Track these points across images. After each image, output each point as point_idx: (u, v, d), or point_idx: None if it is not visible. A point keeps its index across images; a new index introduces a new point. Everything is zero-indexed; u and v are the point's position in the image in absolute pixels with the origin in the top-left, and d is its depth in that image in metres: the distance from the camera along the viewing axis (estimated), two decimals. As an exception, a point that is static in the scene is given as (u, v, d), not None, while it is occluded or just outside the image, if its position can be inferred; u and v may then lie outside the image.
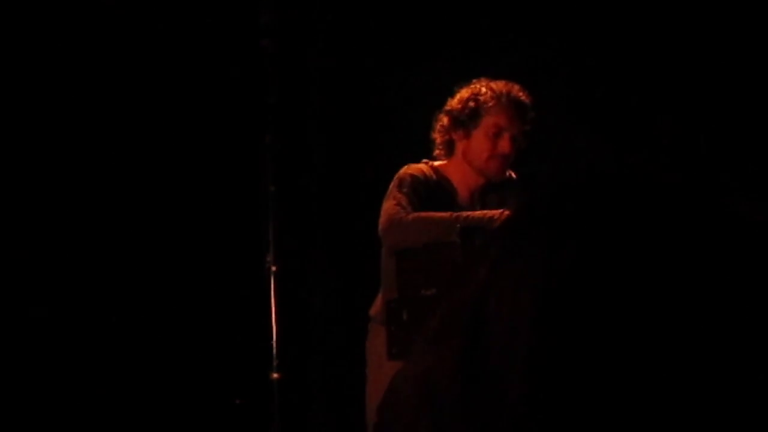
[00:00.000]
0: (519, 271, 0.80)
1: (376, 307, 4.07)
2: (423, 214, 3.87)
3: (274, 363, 4.95)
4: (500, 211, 3.79)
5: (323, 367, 5.40)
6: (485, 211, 3.86)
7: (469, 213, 3.85)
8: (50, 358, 4.96)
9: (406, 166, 4.05)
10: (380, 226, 3.95)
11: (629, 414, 0.75)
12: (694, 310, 0.76)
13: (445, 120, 4.05)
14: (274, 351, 4.94)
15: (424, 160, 4.11)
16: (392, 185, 3.99)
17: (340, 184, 5.31)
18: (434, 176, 4.05)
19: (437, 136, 4.09)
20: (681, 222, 0.80)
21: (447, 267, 3.72)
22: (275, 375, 4.96)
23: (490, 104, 3.96)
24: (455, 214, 3.83)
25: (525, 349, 0.77)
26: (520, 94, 3.98)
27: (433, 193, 4.00)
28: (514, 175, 4.14)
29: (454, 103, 4.03)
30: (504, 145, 3.97)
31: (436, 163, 4.10)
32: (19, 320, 4.91)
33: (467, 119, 3.99)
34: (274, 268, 4.97)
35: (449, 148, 4.07)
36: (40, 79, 5.01)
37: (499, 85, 4.00)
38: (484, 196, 4.09)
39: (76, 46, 5.03)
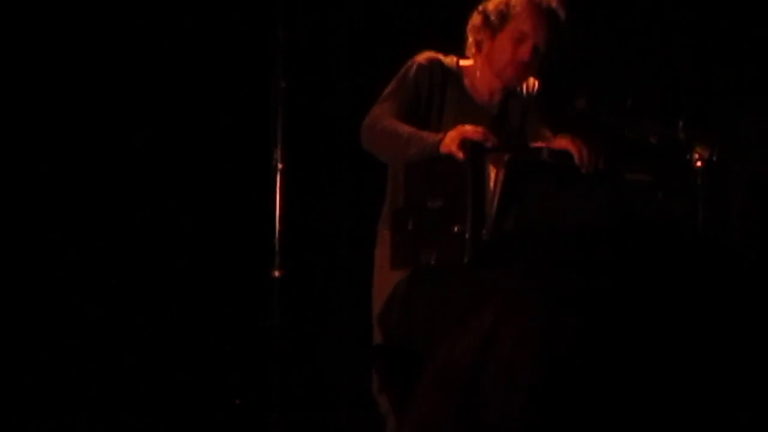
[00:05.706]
0: (518, 334, 0.76)
1: (384, 214, 4.07)
2: (392, 126, 3.79)
3: (276, 261, 4.96)
4: (442, 137, 3.70)
5: (326, 266, 5.42)
6: (438, 134, 3.76)
7: (426, 136, 3.76)
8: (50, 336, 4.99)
9: (423, 54, 3.99)
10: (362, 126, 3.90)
11: None
12: (698, 381, 0.73)
13: (477, 19, 4.01)
14: (277, 248, 4.94)
15: (453, 56, 4.07)
16: (399, 73, 3.94)
17: (352, 81, 5.28)
18: (453, 67, 4.00)
19: (469, 35, 4.05)
20: (687, 293, 0.76)
21: (454, 180, 3.69)
22: (277, 273, 4.98)
23: (518, 9, 3.92)
24: (416, 133, 3.76)
25: (519, 413, 0.74)
26: (553, 3, 3.92)
27: (444, 84, 3.95)
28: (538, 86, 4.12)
29: (489, 3, 3.99)
30: (524, 51, 3.92)
31: (463, 61, 4.06)
32: (28, 318, 4.94)
33: (496, 21, 3.95)
34: (280, 166, 4.95)
35: (478, 48, 4.04)
36: (54, 67, 4.99)
37: None
38: (506, 101, 4.07)
39: (81, 21, 4.99)
